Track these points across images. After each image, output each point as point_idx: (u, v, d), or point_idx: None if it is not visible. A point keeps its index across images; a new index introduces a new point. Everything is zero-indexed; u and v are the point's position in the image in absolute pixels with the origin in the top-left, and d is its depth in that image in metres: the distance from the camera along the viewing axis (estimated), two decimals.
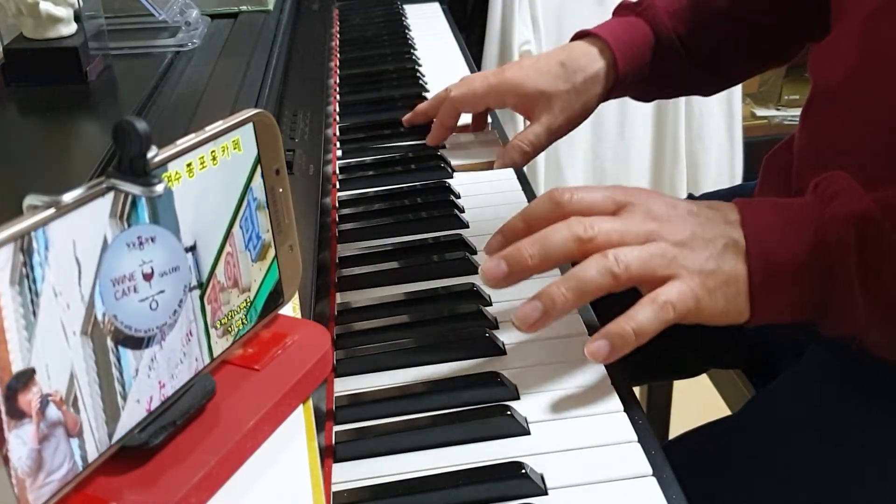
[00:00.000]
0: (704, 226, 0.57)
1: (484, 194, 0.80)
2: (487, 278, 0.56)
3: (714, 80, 0.93)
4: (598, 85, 0.84)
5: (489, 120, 0.93)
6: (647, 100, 0.94)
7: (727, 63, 0.90)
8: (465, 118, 0.91)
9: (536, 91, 0.83)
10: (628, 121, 2.00)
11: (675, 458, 0.50)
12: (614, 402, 0.54)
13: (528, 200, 0.78)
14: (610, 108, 1.97)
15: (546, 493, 0.47)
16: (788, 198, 0.60)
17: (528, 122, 0.85)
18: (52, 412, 0.38)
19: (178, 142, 0.43)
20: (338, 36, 1.24)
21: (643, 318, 0.53)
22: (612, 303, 0.69)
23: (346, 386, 0.56)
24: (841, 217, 0.55)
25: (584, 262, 0.55)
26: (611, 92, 0.86)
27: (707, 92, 0.98)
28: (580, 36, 0.87)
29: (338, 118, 0.97)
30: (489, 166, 0.85)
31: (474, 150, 0.88)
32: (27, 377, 0.36)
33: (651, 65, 0.86)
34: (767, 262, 0.55)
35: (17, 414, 0.36)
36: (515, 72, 0.85)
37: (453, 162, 0.85)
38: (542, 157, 1.94)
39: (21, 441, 0.36)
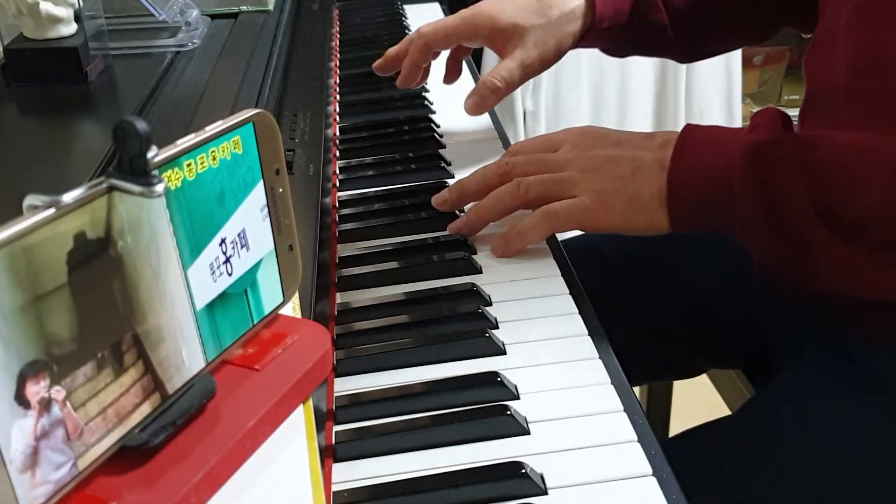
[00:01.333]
0: (624, 151, 0.67)
1: None
2: (436, 201, 0.73)
3: (688, 46, 0.91)
4: (573, 22, 0.83)
5: (487, 118, 0.92)
6: (619, 55, 0.92)
7: (705, 29, 0.89)
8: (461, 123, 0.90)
9: (510, 24, 0.81)
10: (628, 121, 2.00)
11: (674, 456, 0.50)
12: (614, 402, 0.54)
13: None
14: (610, 107, 1.97)
15: (546, 493, 0.47)
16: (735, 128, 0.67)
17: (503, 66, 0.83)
18: (55, 411, 0.38)
19: (178, 142, 0.43)
20: (338, 36, 1.23)
21: (528, 221, 0.68)
22: (612, 303, 0.70)
23: (346, 386, 0.56)
24: (751, 143, 0.61)
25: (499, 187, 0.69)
26: (585, 35, 0.84)
27: (681, 58, 0.97)
28: None
29: (338, 118, 0.97)
30: None
31: (476, 153, 0.87)
32: (38, 367, 0.36)
33: (629, 15, 0.85)
34: (680, 178, 0.64)
35: (22, 404, 0.36)
36: (490, 4, 0.84)
37: (455, 165, 0.84)
38: None
39: (21, 433, 0.36)
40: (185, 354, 0.45)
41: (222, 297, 0.47)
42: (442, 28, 0.84)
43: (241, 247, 0.48)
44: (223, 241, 0.47)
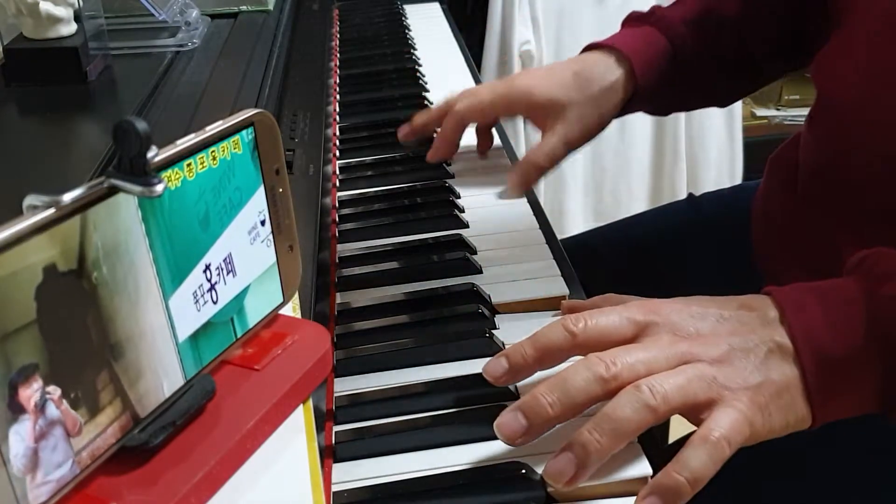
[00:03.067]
0: (740, 334, 0.51)
1: (484, 194, 0.80)
2: (506, 436, 0.49)
3: (729, 89, 0.90)
4: (615, 95, 0.80)
5: (496, 140, 0.90)
6: (664, 113, 0.90)
7: (742, 72, 0.87)
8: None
9: (549, 99, 0.79)
10: (628, 121, 2.00)
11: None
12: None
13: (528, 200, 0.78)
14: None
15: (546, 494, 0.47)
16: (825, 281, 0.54)
17: (536, 137, 0.81)
18: (51, 410, 0.38)
19: (178, 142, 0.43)
20: (338, 36, 1.24)
21: (697, 463, 0.46)
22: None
23: (346, 386, 0.56)
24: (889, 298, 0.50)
25: (614, 399, 0.48)
26: (628, 104, 0.82)
27: (721, 103, 0.95)
28: (591, 48, 0.84)
29: (338, 118, 0.97)
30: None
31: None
32: (29, 372, 0.36)
33: (669, 75, 0.82)
34: (822, 360, 0.50)
35: (16, 408, 0.36)
36: (525, 79, 0.81)
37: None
38: None
39: (19, 437, 0.36)
40: (167, 389, 0.44)
41: (207, 326, 0.46)
42: (477, 104, 0.81)
43: (228, 273, 0.47)
44: (207, 267, 0.45)
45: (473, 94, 0.82)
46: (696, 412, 0.48)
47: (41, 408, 0.37)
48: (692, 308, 0.53)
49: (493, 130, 0.90)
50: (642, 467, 0.48)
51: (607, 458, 0.47)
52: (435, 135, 0.85)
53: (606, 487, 0.48)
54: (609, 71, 0.80)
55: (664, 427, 1.17)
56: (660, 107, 0.88)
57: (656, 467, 0.48)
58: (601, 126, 0.81)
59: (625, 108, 0.83)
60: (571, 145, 0.80)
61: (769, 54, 0.86)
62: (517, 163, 0.80)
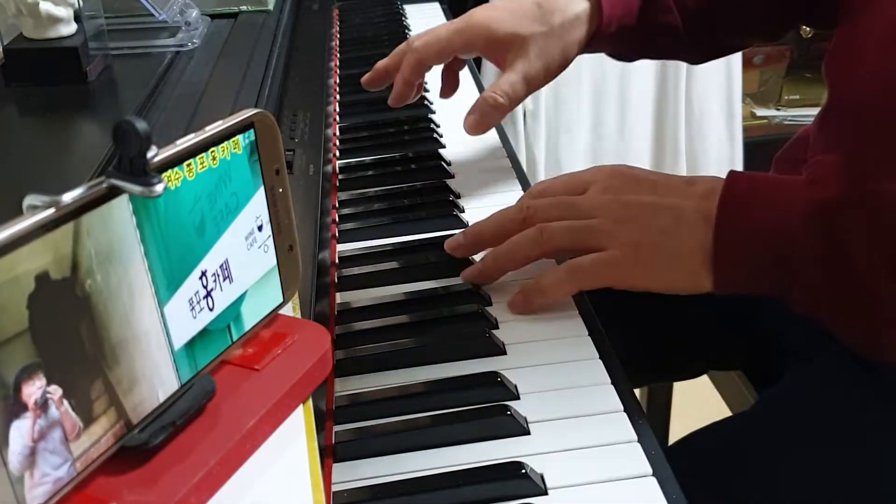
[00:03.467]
0: (663, 199, 0.60)
1: (484, 194, 0.80)
2: (449, 247, 0.67)
3: (701, 47, 0.86)
4: (578, 28, 0.75)
5: (495, 136, 0.90)
6: (629, 59, 0.86)
7: (719, 28, 0.83)
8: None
9: (509, 34, 0.74)
10: (628, 120, 2.00)
11: (678, 460, 0.50)
12: (614, 402, 0.54)
13: None
14: (610, 107, 1.97)
15: (546, 493, 0.47)
16: (783, 176, 0.61)
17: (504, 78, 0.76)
18: (52, 410, 0.37)
19: (178, 142, 0.43)
20: (338, 36, 1.23)
21: (551, 278, 0.61)
22: (612, 304, 0.69)
23: (346, 386, 0.56)
24: (813, 200, 0.56)
25: (519, 233, 0.62)
26: (591, 41, 0.77)
27: (693, 59, 0.92)
28: None
29: (338, 118, 0.97)
30: None
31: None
32: (32, 370, 0.36)
33: (639, 17, 0.78)
34: (728, 235, 0.57)
35: (19, 405, 0.36)
36: (484, 12, 0.76)
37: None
38: (541, 156, 1.94)
39: (18, 434, 0.36)
40: (162, 398, 0.43)
41: (203, 333, 0.46)
42: (434, 41, 0.77)
43: (224, 279, 0.47)
44: (203, 273, 0.45)
45: (430, 32, 0.78)
46: (581, 254, 0.60)
47: (42, 406, 0.37)
48: (635, 173, 0.63)
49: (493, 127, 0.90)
50: (642, 467, 0.49)
51: (500, 274, 0.64)
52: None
53: (606, 486, 0.48)
54: (574, 2, 0.75)
55: (664, 425, 1.18)
56: (624, 49, 0.83)
57: (656, 467, 0.48)
58: (564, 62, 0.77)
59: (590, 44, 0.78)
60: (532, 83, 0.76)
61: (752, 18, 0.83)
62: (475, 102, 0.76)
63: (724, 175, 0.61)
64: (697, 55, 0.90)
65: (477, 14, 0.77)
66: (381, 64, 0.81)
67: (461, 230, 0.68)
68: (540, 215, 0.62)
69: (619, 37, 0.79)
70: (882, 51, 0.63)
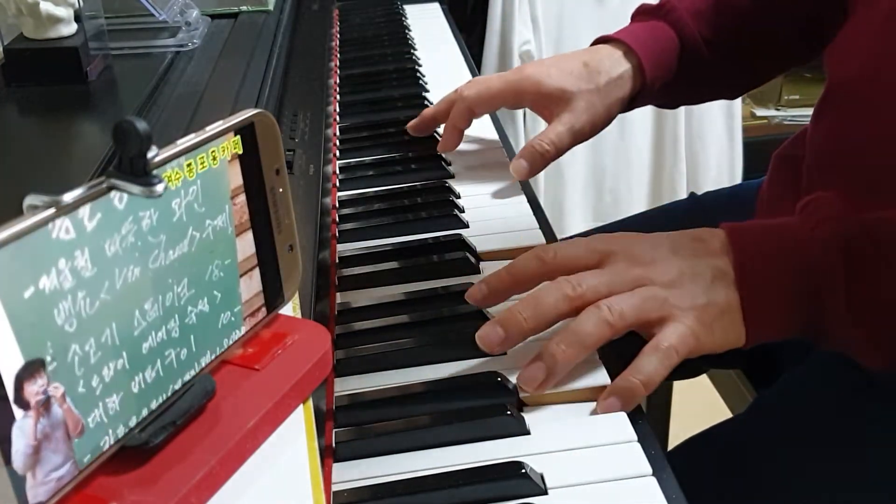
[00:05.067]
0: (690, 260, 0.58)
1: (484, 194, 0.80)
2: (485, 344, 0.56)
3: (738, 82, 0.90)
4: (622, 88, 0.81)
5: (493, 134, 0.91)
6: (672, 106, 0.91)
7: (751, 64, 0.87)
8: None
9: (557, 89, 0.79)
10: (628, 121, 2.00)
11: (676, 459, 0.50)
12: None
13: (528, 200, 0.78)
14: None
15: (546, 493, 0.47)
16: (777, 219, 0.61)
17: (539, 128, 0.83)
18: (55, 410, 0.38)
19: (178, 142, 0.43)
20: (338, 36, 1.24)
21: (649, 368, 0.54)
22: None
23: (346, 386, 0.56)
24: (827, 241, 0.56)
25: (579, 316, 0.55)
26: (636, 98, 0.83)
27: (731, 95, 0.95)
28: (600, 41, 0.84)
29: (338, 118, 0.97)
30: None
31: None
32: (34, 367, 0.36)
33: (677, 70, 0.83)
34: (754, 287, 0.57)
35: (21, 405, 0.36)
36: (535, 69, 0.81)
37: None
38: None
39: (21, 434, 0.36)
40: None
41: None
42: (486, 91, 0.81)
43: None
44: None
45: (482, 82, 0.82)
46: (649, 328, 0.56)
47: (44, 406, 0.37)
48: (648, 239, 0.60)
49: (493, 128, 0.90)
50: (642, 467, 0.49)
51: (571, 366, 0.55)
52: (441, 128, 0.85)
53: (606, 486, 0.48)
54: (617, 64, 0.80)
55: (664, 425, 1.18)
56: (668, 100, 0.88)
57: (656, 467, 0.48)
58: (608, 118, 0.82)
59: (633, 102, 0.83)
60: (577, 135, 0.80)
61: (779, 46, 0.86)
62: (523, 148, 0.80)
63: (724, 179, 0.61)
64: (737, 89, 0.94)
65: (528, 69, 0.81)
66: (429, 112, 0.85)
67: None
68: (593, 294, 0.56)
69: (662, 92, 0.84)
70: (875, 37, 0.65)
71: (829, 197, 0.59)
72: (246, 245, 0.49)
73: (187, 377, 0.45)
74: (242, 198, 0.48)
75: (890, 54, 0.65)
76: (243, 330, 0.49)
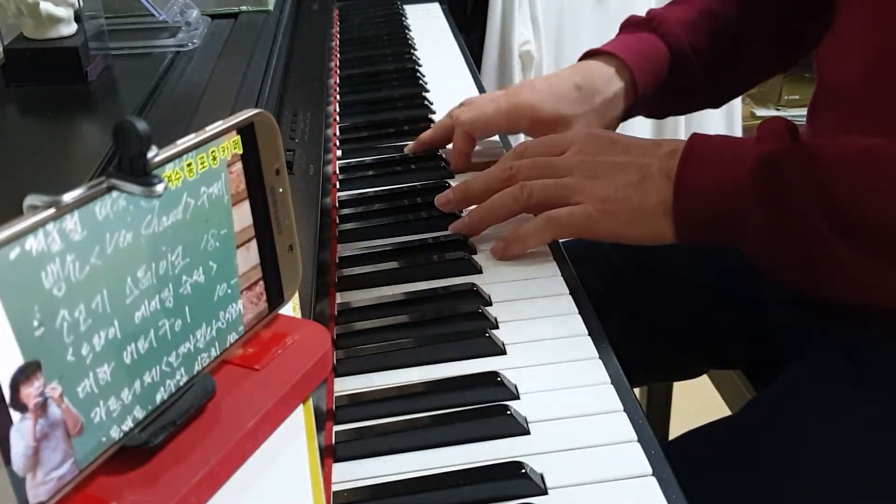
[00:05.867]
0: (631, 158, 0.67)
1: None
2: (439, 202, 0.73)
3: (725, 89, 0.93)
4: (616, 107, 0.82)
5: (495, 140, 0.91)
6: (660, 117, 0.93)
7: (738, 71, 0.89)
8: None
9: (554, 115, 0.80)
10: (627, 122, 1.99)
11: (676, 458, 0.50)
12: (614, 402, 0.54)
13: None
14: None
15: (546, 493, 0.47)
16: (739, 138, 0.67)
17: None
18: (53, 410, 0.38)
19: (178, 142, 0.43)
20: (338, 36, 1.24)
21: (529, 227, 0.67)
22: (612, 303, 0.69)
23: (346, 386, 0.56)
24: (759, 154, 0.61)
25: (502, 190, 0.69)
26: (629, 112, 0.84)
27: (716, 104, 0.97)
28: (592, 54, 0.85)
29: (338, 118, 0.97)
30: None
31: (475, 153, 0.85)
32: (31, 370, 0.36)
33: (667, 81, 0.85)
34: (686, 190, 0.63)
35: (18, 407, 0.36)
36: (529, 94, 0.81)
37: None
38: None
39: (20, 435, 0.36)
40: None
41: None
42: (481, 118, 0.81)
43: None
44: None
45: (477, 109, 0.82)
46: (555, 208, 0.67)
47: (42, 407, 0.37)
48: (614, 138, 0.69)
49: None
50: (642, 467, 0.49)
51: (485, 227, 0.71)
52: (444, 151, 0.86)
53: (606, 486, 0.48)
54: (611, 82, 0.82)
55: (664, 425, 1.18)
56: (659, 111, 0.91)
57: (656, 467, 0.48)
58: None
59: (625, 115, 0.85)
60: None
61: (768, 53, 0.88)
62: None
63: None
64: (723, 98, 0.96)
65: (522, 95, 0.82)
66: (425, 137, 0.87)
67: (450, 188, 0.75)
68: (522, 174, 0.69)
69: (651, 104, 0.86)
70: (861, 42, 0.66)
71: (778, 120, 0.64)
72: (242, 215, 0.48)
73: (182, 350, 0.45)
74: (239, 166, 0.47)
75: (877, 59, 0.66)
76: (239, 304, 0.49)
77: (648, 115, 0.91)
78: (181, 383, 0.45)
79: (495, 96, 0.83)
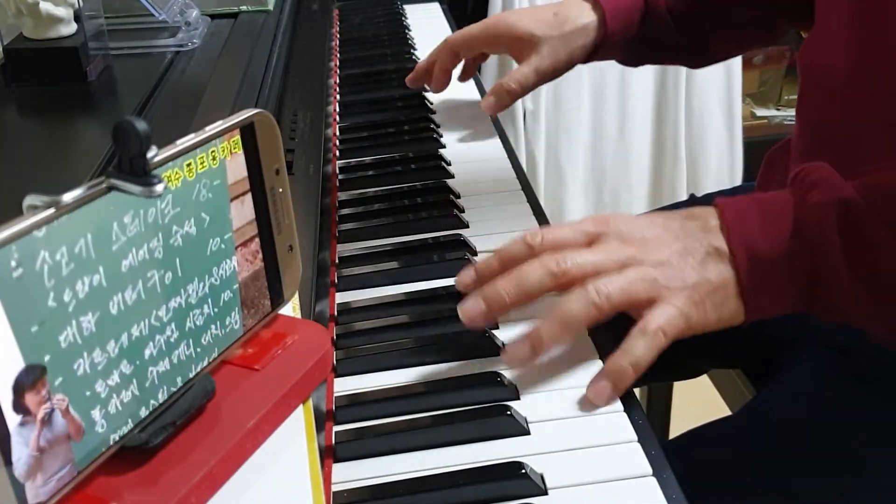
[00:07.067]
0: (682, 239, 0.58)
1: (485, 194, 0.80)
2: (466, 317, 0.56)
3: (699, 53, 0.95)
4: (584, 37, 0.88)
5: (494, 139, 0.92)
6: (633, 64, 0.97)
7: (711, 38, 0.92)
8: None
9: (527, 33, 0.88)
10: (628, 121, 2.00)
11: (676, 458, 0.50)
12: (614, 403, 0.54)
13: (528, 200, 0.78)
14: (610, 108, 1.97)
15: (546, 493, 0.47)
16: (766, 192, 0.60)
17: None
18: (58, 421, 0.37)
19: (178, 142, 0.43)
20: (338, 36, 1.24)
21: (638, 351, 0.54)
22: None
23: (346, 386, 0.56)
24: (821, 204, 0.56)
25: (565, 296, 0.55)
26: (597, 49, 0.89)
27: (692, 64, 1.01)
28: None
29: (338, 118, 0.97)
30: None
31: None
32: (37, 374, 0.36)
33: (639, 29, 0.89)
34: (752, 261, 0.56)
35: (22, 411, 0.36)
36: (510, 14, 0.91)
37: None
38: (542, 157, 1.94)
39: (23, 442, 0.36)
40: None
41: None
42: (467, 33, 0.92)
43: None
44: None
45: (465, 29, 0.93)
46: (638, 309, 0.56)
47: (48, 419, 0.37)
48: (640, 219, 0.60)
49: (493, 128, 0.91)
50: (642, 467, 0.49)
51: (555, 345, 0.56)
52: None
53: (606, 486, 0.48)
54: (583, 14, 0.88)
55: (664, 425, 1.18)
56: (628, 58, 0.94)
57: (656, 467, 0.48)
58: (570, 63, 0.89)
59: (595, 53, 0.90)
60: (541, 76, 0.88)
61: (735, 30, 0.91)
62: (492, 86, 0.89)
63: (724, 180, 0.62)
64: (695, 61, 0.99)
65: (504, 15, 0.92)
66: (421, 64, 0.96)
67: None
68: (580, 274, 0.56)
69: (622, 47, 0.90)
70: (840, 25, 0.66)
71: (819, 164, 0.59)
72: (237, 167, 0.47)
73: (172, 304, 0.44)
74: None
75: (859, 55, 0.66)
76: (234, 260, 0.48)
77: (620, 61, 0.95)
78: (190, 376, 0.45)
79: (484, 20, 0.93)
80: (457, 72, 0.97)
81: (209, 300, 0.46)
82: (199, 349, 0.46)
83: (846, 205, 0.55)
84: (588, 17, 0.88)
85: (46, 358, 0.37)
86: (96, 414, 0.40)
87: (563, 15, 0.88)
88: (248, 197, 0.48)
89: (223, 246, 0.47)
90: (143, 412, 0.43)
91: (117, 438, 0.41)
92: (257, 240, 0.49)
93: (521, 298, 0.56)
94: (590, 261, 0.56)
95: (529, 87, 0.88)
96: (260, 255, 0.50)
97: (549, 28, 0.88)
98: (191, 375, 0.46)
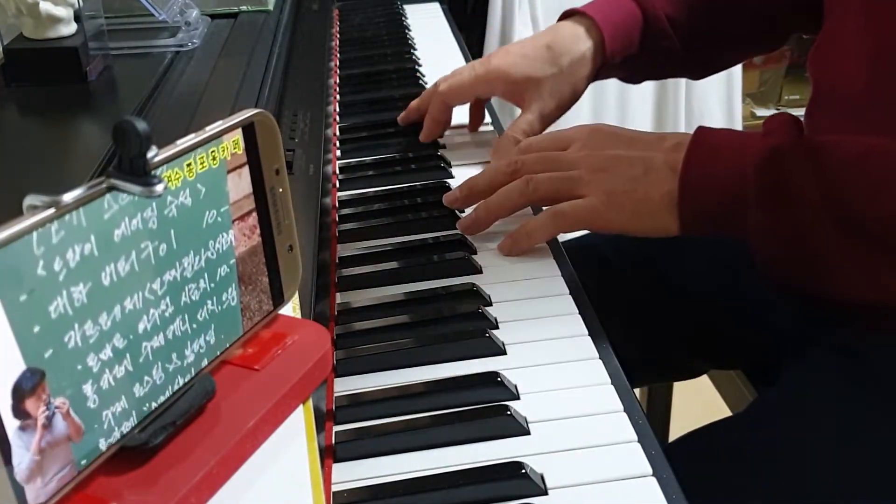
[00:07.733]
0: (636, 152, 0.67)
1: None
2: (447, 200, 0.73)
3: (702, 63, 0.93)
4: (585, 67, 0.84)
5: (486, 117, 0.93)
6: (636, 81, 0.95)
7: (714, 47, 0.90)
8: (462, 114, 0.91)
9: (524, 77, 0.83)
10: (628, 121, 2.00)
11: (676, 458, 0.50)
12: (614, 402, 0.54)
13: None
14: (610, 107, 1.97)
15: (546, 493, 0.47)
16: (744, 132, 0.67)
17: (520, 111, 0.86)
18: (58, 424, 0.37)
19: (178, 142, 0.43)
20: (338, 36, 1.23)
21: (536, 223, 0.68)
22: (612, 304, 0.69)
23: (346, 386, 0.56)
24: (766, 147, 0.61)
25: (507, 185, 0.70)
26: (599, 72, 0.86)
27: (696, 75, 0.98)
28: (568, 14, 0.87)
29: (338, 118, 0.97)
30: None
31: (471, 150, 0.88)
32: (37, 379, 0.36)
33: (640, 45, 0.86)
34: (692, 183, 0.63)
35: (21, 415, 0.36)
36: (502, 59, 0.85)
37: (453, 163, 0.85)
38: None
39: (24, 446, 0.36)
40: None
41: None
42: (457, 86, 0.85)
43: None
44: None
45: (455, 76, 0.86)
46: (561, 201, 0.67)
47: (48, 423, 0.37)
48: (619, 133, 0.70)
49: (493, 128, 0.91)
50: (642, 467, 0.49)
51: (491, 222, 0.71)
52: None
53: (606, 486, 0.48)
54: (579, 42, 0.84)
55: (664, 425, 1.18)
56: (630, 75, 0.92)
57: (656, 467, 0.48)
58: (574, 97, 0.86)
59: (598, 75, 0.87)
60: (547, 119, 0.85)
61: (748, 35, 0.89)
62: (498, 138, 0.85)
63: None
64: (699, 72, 0.97)
65: (494, 61, 0.85)
66: (413, 105, 0.90)
67: (458, 186, 0.75)
68: (527, 169, 0.70)
69: (623, 66, 0.87)
70: (851, 31, 0.66)
71: (790, 115, 0.64)
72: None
73: (167, 277, 0.43)
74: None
75: (870, 61, 0.66)
76: (231, 233, 0.47)
77: (622, 79, 0.92)
78: (185, 353, 0.45)
79: (473, 64, 0.87)
80: (464, 116, 0.91)
81: (205, 274, 0.45)
82: (194, 325, 0.45)
83: (783, 152, 0.61)
84: (585, 43, 0.83)
85: (35, 329, 0.36)
86: (88, 389, 0.39)
87: (559, 47, 0.83)
88: (246, 170, 0.47)
89: (220, 219, 0.46)
90: (138, 391, 0.42)
91: (118, 437, 0.41)
92: (255, 214, 0.49)
93: (487, 187, 0.71)
94: (541, 159, 0.70)
95: (537, 134, 0.83)
96: (258, 231, 0.49)
97: (546, 66, 0.83)
98: (186, 353, 0.45)
